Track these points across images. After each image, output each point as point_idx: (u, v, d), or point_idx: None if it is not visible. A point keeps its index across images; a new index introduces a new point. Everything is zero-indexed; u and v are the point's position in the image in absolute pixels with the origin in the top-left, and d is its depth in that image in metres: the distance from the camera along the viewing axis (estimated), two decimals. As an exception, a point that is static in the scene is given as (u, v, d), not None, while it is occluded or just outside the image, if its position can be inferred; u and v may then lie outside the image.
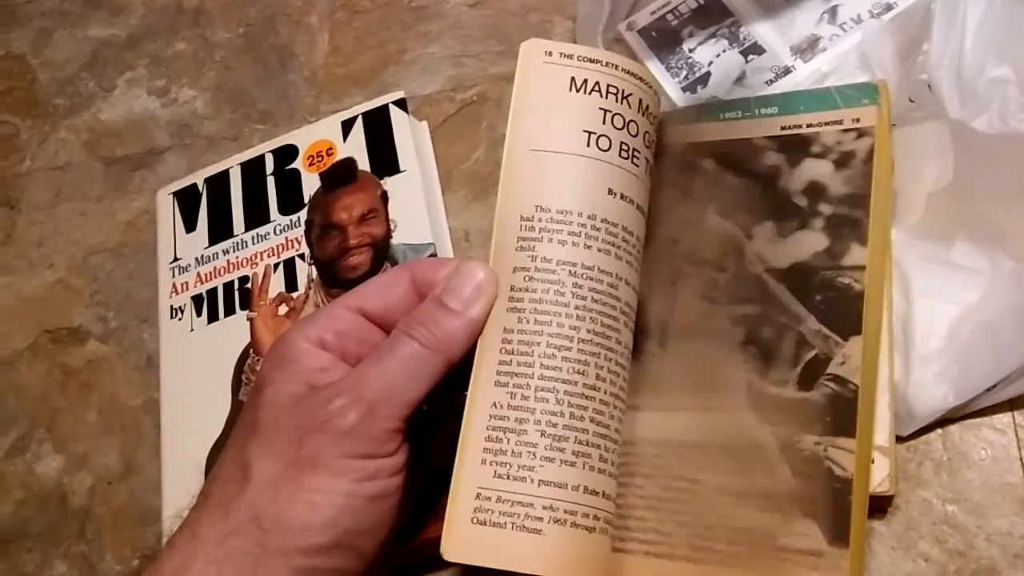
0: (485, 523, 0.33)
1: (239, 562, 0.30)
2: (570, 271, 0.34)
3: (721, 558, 0.35)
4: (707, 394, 0.38)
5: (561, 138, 0.36)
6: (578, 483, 0.33)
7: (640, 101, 0.37)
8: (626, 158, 0.36)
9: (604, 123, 0.36)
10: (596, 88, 0.36)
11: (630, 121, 0.36)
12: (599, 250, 0.35)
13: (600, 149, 0.36)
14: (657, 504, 0.37)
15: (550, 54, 0.37)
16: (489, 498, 0.33)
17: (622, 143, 0.36)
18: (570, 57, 0.37)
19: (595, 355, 0.34)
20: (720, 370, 0.38)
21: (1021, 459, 0.39)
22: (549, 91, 0.36)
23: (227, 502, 0.32)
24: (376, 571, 0.35)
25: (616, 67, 0.37)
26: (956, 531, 0.38)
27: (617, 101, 0.36)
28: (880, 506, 0.39)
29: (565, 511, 0.33)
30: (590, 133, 0.36)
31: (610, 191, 0.35)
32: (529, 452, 0.33)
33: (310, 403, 0.33)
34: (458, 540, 0.33)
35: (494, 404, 0.34)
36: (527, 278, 0.35)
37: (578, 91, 0.36)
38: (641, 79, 0.37)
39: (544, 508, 0.33)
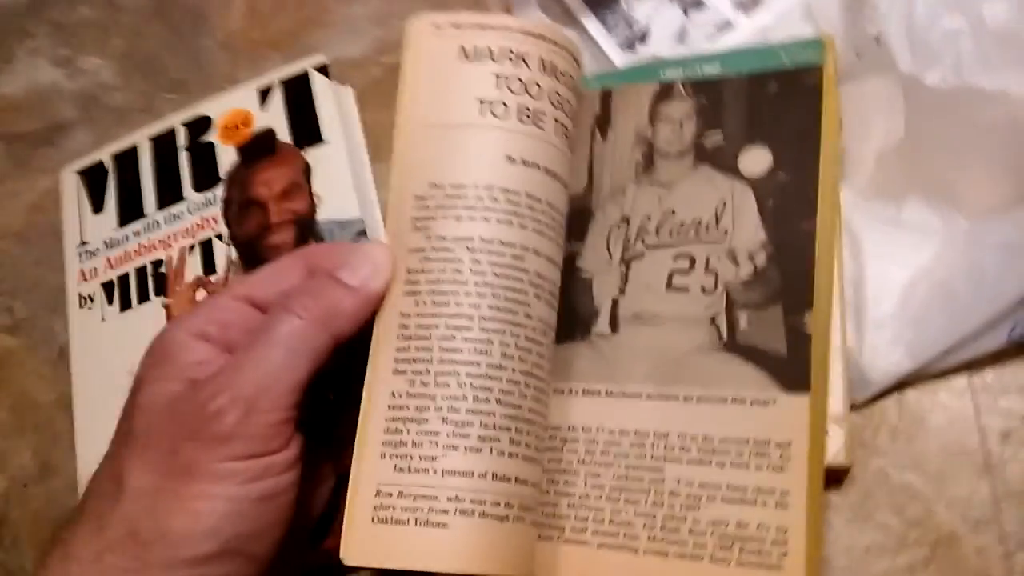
0: (387, 521, 0.31)
1: None
2: (467, 247, 0.33)
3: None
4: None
5: (453, 110, 0.34)
6: (485, 470, 0.32)
7: (542, 60, 0.35)
8: (528, 121, 0.34)
9: (498, 88, 0.34)
10: (488, 53, 0.35)
11: (531, 83, 0.35)
12: (498, 221, 0.33)
13: (495, 116, 0.34)
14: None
15: (439, 27, 0.35)
16: (390, 494, 0.31)
17: (521, 106, 0.34)
18: (459, 27, 0.35)
19: (500, 332, 0.32)
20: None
21: (979, 423, 0.38)
22: (439, 64, 0.35)
23: (101, 517, 0.29)
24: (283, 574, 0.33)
25: (510, 29, 0.35)
26: (915, 499, 0.37)
27: (513, 64, 0.35)
28: (836, 477, 0.38)
29: (472, 501, 0.31)
30: (483, 101, 0.34)
31: (509, 158, 0.34)
32: (431, 441, 0.31)
33: (186, 406, 0.30)
34: (358, 542, 0.31)
35: (393, 394, 0.32)
36: (423, 259, 0.33)
37: (468, 59, 0.35)
38: (542, 37, 0.35)
39: (449, 500, 0.31)
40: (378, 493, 0.31)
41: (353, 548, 0.31)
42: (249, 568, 0.30)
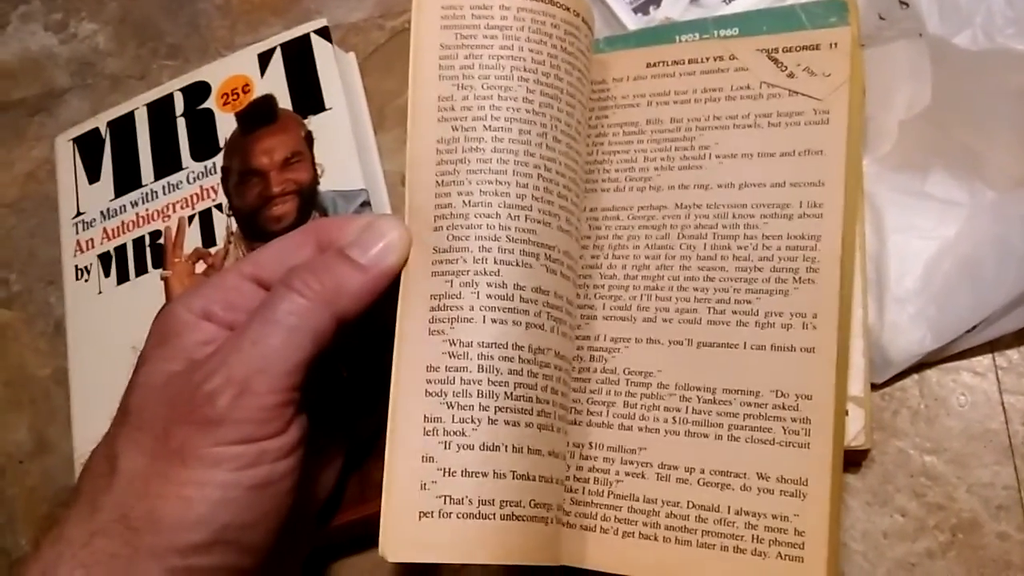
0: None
1: (108, 565, 0.27)
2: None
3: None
4: None
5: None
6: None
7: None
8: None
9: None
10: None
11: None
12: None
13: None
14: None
15: None
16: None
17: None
18: None
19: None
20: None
21: (1003, 404, 0.37)
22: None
23: (94, 499, 0.28)
24: (287, 561, 0.32)
25: None
26: (935, 483, 0.36)
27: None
28: (854, 459, 0.37)
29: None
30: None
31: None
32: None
33: (180, 387, 0.29)
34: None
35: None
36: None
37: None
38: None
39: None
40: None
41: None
42: (242, 559, 0.29)
